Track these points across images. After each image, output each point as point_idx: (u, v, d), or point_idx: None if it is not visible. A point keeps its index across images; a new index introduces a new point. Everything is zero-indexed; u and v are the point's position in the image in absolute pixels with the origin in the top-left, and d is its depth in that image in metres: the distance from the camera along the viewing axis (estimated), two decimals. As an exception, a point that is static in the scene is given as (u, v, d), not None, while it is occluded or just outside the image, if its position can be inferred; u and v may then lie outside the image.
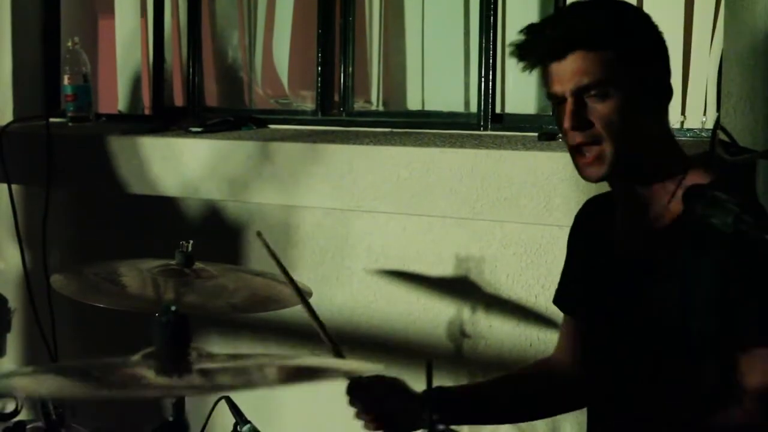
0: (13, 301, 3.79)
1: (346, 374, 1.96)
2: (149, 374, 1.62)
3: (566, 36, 2.02)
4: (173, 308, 1.56)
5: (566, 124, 2.00)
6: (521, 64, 2.07)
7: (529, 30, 2.07)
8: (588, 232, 2.24)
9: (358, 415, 2.17)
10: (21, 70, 3.80)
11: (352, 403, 2.17)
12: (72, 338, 3.53)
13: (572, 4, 2.27)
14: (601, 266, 2.16)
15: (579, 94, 2.00)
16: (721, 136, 2.15)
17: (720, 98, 2.53)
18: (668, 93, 2.08)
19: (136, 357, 1.61)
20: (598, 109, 1.99)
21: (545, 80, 2.06)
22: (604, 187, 2.13)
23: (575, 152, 2.03)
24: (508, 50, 2.19)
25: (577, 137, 2.01)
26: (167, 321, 1.56)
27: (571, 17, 2.15)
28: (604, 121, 1.99)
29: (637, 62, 2.01)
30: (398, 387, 2.20)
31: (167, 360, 1.59)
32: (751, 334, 1.96)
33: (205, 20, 3.63)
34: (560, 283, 2.31)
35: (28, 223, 3.66)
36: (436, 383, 2.67)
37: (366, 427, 2.18)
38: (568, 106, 2.00)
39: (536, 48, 2.05)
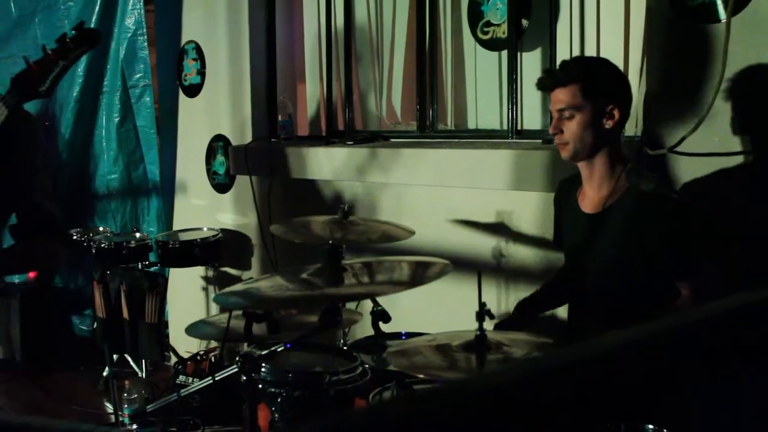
0: (254, 240, 3.82)
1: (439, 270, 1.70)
2: (319, 282, 1.62)
3: (553, 77, 1.99)
4: (330, 242, 1.58)
5: (550, 130, 2.01)
6: (539, 91, 2.07)
7: (544, 72, 2.08)
8: (563, 198, 2.19)
9: None
10: (256, 111, 3.80)
11: None
12: (286, 261, 3.58)
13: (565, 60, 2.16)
14: (571, 220, 2.12)
15: (558, 112, 1.97)
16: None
17: (645, 115, 2.39)
18: (622, 116, 1.96)
19: (310, 271, 1.61)
20: (566, 124, 1.96)
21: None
22: (577, 168, 2.08)
23: (557, 142, 2.02)
24: (533, 84, 2.10)
25: (556, 138, 2.01)
26: (327, 250, 1.58)
27: (559, 67, 2.10)
28: (568, 131, 1.96)
29: (594, 95, 1.94)
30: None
31: (328, 274, 1.60)
32: (670, 268, 1.87)
33: (354, 81, 3.62)
34: (554, 230, 2.27)
35: (260, 196, 3.67)
36: (487, 285, 2.65)
37: None
38: (553, 119, 1.99)
39: (542, 83, 2.03)
